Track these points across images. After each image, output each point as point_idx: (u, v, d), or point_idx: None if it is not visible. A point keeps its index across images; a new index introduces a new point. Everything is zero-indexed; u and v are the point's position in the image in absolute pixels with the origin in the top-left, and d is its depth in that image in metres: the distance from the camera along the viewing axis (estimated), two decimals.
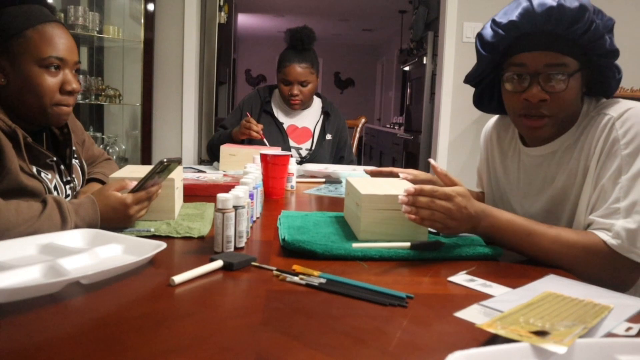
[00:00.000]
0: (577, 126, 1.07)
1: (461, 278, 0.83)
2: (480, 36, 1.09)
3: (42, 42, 1.04)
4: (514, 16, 1.01)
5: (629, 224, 0.91)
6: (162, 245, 0.85)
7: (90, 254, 0.83)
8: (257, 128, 2.01)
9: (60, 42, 1.07)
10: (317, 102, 2.34)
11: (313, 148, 2.24)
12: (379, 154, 6.72)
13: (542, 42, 1.01)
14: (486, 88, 1.19)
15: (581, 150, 1.04)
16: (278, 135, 2.21)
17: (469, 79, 1.19)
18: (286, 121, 2.26)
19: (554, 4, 0.96)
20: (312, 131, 2.27)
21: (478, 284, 0.81)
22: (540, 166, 1.14)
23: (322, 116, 2.30)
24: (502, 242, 0.98)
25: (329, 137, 2.28)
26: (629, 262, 0.92)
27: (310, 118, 2.29)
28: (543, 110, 1.03)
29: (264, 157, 1.46)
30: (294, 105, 2.20)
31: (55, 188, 1.12)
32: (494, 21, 1.05)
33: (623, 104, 1.02)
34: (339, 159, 2.34)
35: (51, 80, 1.06)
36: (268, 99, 2.28)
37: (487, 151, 1.32)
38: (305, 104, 2.26)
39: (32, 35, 1.04)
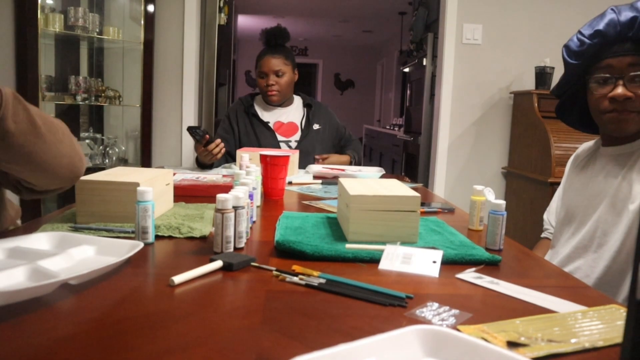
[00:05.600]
0: None
1: (470, 275, 0.84)
2: (566, 47, 1.21)
3: None
4: (600, 26, 1.13)
5: None
6: (139, 245, 0.83)
7: (65, 255, 0.81)
8: (215, 147, 1.94)
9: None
10: (297, 100, 2.41)
11: (300, 139, 2.29)
12: (378, 155, 6.72)
13: (626, 47, 1.11)
14: (568, 100, 1.31)
15: None
16: (266, 132, 2.26)
17: (556, 89, 1.30)
18: (272, 120, 2.31)
19: (638, 14, 1.09)
20: (299, 124, 2.33)
21: (486, 281, 0.81)
22: (611, 163, 1.20)
23: (304, 109, 2.37)
24: None
25: (316, 126, 2.33)
26: None
27: (293, 113, 2.36)
28: (628, 107, 1.12)
29: (263, 158, 1.46)
30: (271, 97, 2.25)
31: None
32: (580, 32, 1.17)
33: None
34: (340, 149, 2.39)
35: None
36: (251, 102, 2.35)
37: (564, 180, 1.41)
38: (283, 96, 2.29)
39: None
